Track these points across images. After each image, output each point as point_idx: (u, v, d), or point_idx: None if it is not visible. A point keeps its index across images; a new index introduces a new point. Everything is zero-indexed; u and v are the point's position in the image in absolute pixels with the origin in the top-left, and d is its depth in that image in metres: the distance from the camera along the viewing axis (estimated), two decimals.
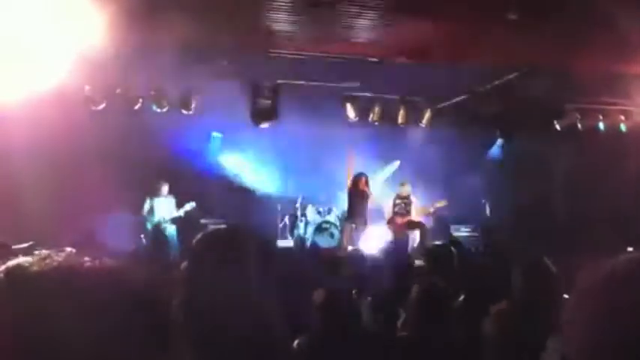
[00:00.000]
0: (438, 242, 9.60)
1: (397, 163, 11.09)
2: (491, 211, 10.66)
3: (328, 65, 8.16)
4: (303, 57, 7.94)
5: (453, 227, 10.34)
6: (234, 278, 2.24)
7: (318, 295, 3.02)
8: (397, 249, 8.01)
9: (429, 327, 3.01)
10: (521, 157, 10.61)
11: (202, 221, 9.15)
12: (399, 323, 3.52)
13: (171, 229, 9.61)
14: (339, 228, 10.16)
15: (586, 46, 6.99)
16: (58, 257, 0.77)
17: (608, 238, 6.74)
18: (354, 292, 3.73)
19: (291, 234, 10.80)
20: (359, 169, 9.65)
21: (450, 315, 3.15)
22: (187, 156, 9.95)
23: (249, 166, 11.14)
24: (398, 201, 9.79)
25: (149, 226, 9.60)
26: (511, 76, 8.63)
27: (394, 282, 4.29)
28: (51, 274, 0.75)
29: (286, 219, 10.92)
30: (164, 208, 9.60)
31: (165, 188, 9.68)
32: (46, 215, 7.91)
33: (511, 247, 8.08)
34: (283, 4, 6.13)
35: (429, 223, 9.83)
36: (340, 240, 9.88)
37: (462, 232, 10.37)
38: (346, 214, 9.75)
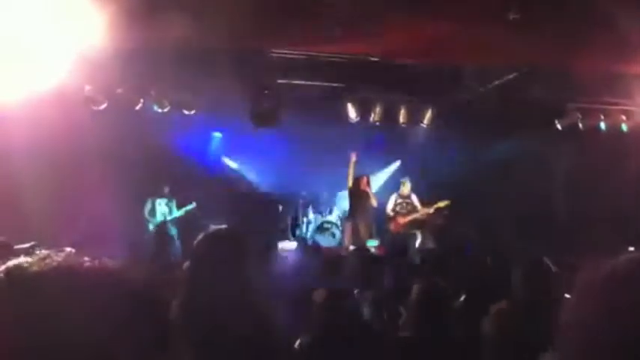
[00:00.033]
0: (438, 242, 9.69)
1: (398, 163, 11.09)
2: (492, 211, 10.66)
3: (329, 65, 8.16)
4: (303, 57, 7.94)
5: (454, 227, 10.35)
6: (235, 278, 2.24)
7: (319, 295, 3.02)
8: (398, 249, 8.01)
9: (429, 327, 3.01)
10: (522, 156, 10.60)
11: (203, 222, 9.16)
12: (400, 323, 3.52)
13: (172, 230, 9.63)
14: (341, 228, 10.17)
15: (586, 46, 6.98)
16: (58, 257, 0.77)
17: (608, 238, 6.74)
18: (355, 291, 3.73)
19: (293, 234, 10.80)
20: (360, 169, 9.66)
21: (451, 315, 3.15)
22: (188, 156, 9.96)
23: (250, 166, 11.14)
24: (399, 200, 9.80)
25: (150, 226, 9.61)
26: (511, 76, 8.62)
27: (395, 282, 4.29)
28: (50, 274, 0.75)
29: (288, 219, 10.92)
30: (165, 209, 9.61)
31: (165, 188, 9.69)
32: (47, 215, 7.92)
33: (512, 247, 8.07)
34: (283, 3, 6.13)
35: (430, 223, 9.83)
36: (341, 239, 9.89)
37: (462, 232, 10.36)
38: (347, 214, 9.75)
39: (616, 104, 9.97)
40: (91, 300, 0.74)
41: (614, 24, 5.72)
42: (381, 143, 10.52)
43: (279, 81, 8.99)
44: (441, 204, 9.86)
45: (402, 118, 9.94)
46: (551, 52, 7.40)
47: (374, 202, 9.51)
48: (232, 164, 11.07)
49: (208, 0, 5.98)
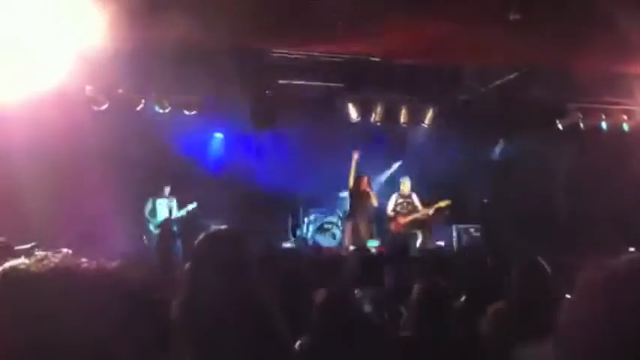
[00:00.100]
0: (439, 242, 9.68)
1: (398, 163, 11.09)
2: (493, 211, 10.66)
3: (329, 65, 8.17)
4: (303, 57, 7.94)
5: (455, 227, 10.35)
6: (235, 279, 2.24)
7: (319, 295, 3.02)
8: (399, 249, 8.00)
9: (430, 327, 3.01)
10: (523, 156, 10.60)
11: (203, 222, 9.16)
12: (401, 323, 3.52)
13: (174, 229, 9.64)
14: (341, 228, 10.17)
15: (586, 46, 6.98)
16: (55, 259, 0.77)
17: (609, 238, 6.74)
18: (355, 291, 3.73)
19: (293, 234, 10.80)
20: (361, 169, 9.66)
21: (451, 315, 3.15)
22: (189, 156, 9.96)
23: (250, 166, 11.14)
24: (400, 200, 9.79)
25: (151, 226, 9.61)
26: (511, 76, 8.62)
27: (395, 282, 4.29)
28: (47, 275, 0.75)
29: (288, 219, 10.92)
30: (165, 209, 9.61)
31: (166, 189, 9.69)
32: (48, 216, 7.92)
33: (512, 247, 8.07)
34: (283, 3, 6.14)
35: (430, 223, 9.83)
36: (342, 240, 9.89)
37: (463, 232, 10.36)
38: (348, 214, 9.75)
39: (617, 104, 9.97)
40: (88, 301, 0.74)
41: (614, 24, 5.72)
42: (382, 143, 10.51)
43: (280, 81, 8.99)
44: (441, 204, 9.86)
45: (402, 118, 9.94)
46: (551, 52, 7.41)
47: (374, 202, 9.51)
48: (232, 164, 11.07)
49: (208, 0, 5.99)
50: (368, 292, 3.96)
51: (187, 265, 2.43)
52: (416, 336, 3.03)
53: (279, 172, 10.88)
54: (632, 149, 9.70)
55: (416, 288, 3.18)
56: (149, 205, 9.62)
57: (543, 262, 3.18)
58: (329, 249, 9.56)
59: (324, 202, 10.75)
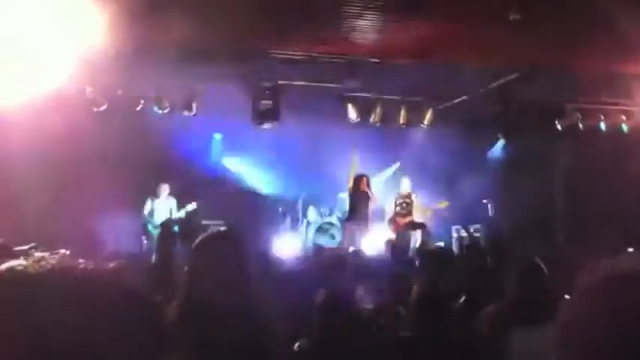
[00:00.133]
0: (439, 243, 9.67)
1: (398, 164, 11.09)
2: (492, 212, 10.65)
3: (329, 65, 8.16)
4: (303, 57, 7.94)
5: (454, 228, 10.35)
6: (234, 280, 2.24)
7: (319, 296, 3.02)
8: (398, 249, 8.00)
9: (429, 327, 3.01)
10: (522, 157, 10.60)
11: (203, 222, 9.15)
12: (400, 323, 3.52)
13: (174, 230, 9.62)
14: (340, 229, 10.16)
15: (586, 46, 6.99)
16: (52, 260, 0.77)
17: (608, 239, 6.74)
18: (354, 292, 3.73)
19: (293, 235, 10.79)
20: (360, 170, 9.65)
21: (450, 315, 3.15)
22: (188, 157, 9.95)
23: (250, 167, 11.14)
24: (399, 201, 9.78)
25: (150, 227, 9.60)
26: (511, 77, 8.62)
27: (395, 282, 4.29)
28: (44, 276, 0.74)
29: (287, 220, 10.91)
30: (165, 210, 9.60)
31: (166, 189, 9.68)
32: (48, 217, 7.93)
33: (512, 247, 8.06)
34: (283, 3, 6.14)
35: (430, 223, 9.82)
36: (341, 241, 9.88)
37: (463, 232, 10.35)
38: (347, 215, 9.74)
39: (616, 104, 9.97)
40: (85, 303, 0.73)
41: (614, 24, 5.73)
42: (381, 143, 10.51)
43: (280, 82, 9.00)
44: (441, 204, 9.85)
45: (402, 119, 9.94)
46: (551, 52, 7.41)
47: (374, 203, 9.50)
48: (232, 165, 11.06)
49: (209, 1, 5.99)
50: (367, 293, 3.97)
51: (187, 266, 2.43)
52: (415, 336, 3.03)
53: (279, 173, 10.89)
54: (631, 150, 9.71)
55: (415, 288, 3.18)
56: (148, 206, 9.61)
57: (539, 262, 3.20)
58: (328, 250, 9.55)
59: (323, 202, 10.74)
